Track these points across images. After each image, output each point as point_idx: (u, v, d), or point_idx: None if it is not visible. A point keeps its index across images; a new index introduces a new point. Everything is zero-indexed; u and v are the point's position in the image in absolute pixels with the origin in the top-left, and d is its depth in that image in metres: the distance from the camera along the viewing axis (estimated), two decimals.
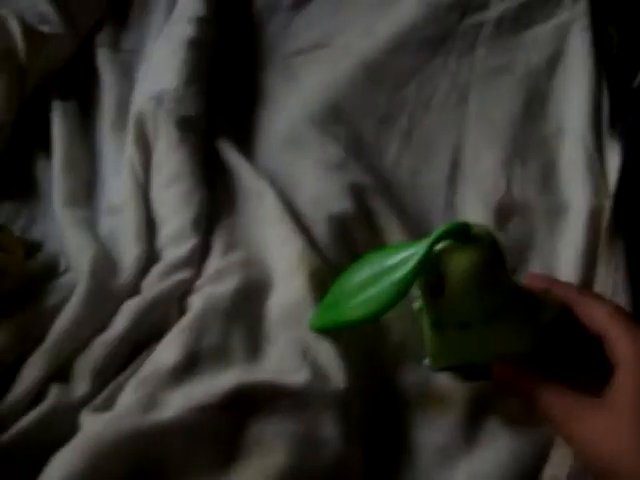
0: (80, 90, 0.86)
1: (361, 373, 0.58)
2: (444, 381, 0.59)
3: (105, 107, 0.83)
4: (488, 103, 0.82)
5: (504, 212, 0.72)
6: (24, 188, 0.76)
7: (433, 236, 0.51)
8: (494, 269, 0.53)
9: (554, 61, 0.86)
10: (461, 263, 0.51)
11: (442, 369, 0.59)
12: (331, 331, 0.58)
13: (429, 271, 0.52)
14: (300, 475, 0.51)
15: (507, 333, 0.55)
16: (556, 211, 0.72)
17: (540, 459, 0.55)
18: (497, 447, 0.55)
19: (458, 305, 0.53)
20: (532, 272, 0.65)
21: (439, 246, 0.52)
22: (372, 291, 0.54)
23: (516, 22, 0.90)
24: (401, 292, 0.52)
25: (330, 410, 0.54)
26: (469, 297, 0.52)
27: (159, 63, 0.82)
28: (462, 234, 0.52)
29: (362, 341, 0.61)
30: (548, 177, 0.75)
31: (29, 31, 0.82)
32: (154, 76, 0.80)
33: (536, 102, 0.82)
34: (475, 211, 0.72)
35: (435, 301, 0.54)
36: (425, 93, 0.83)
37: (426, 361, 0.59)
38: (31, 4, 0.86)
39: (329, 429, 0.53)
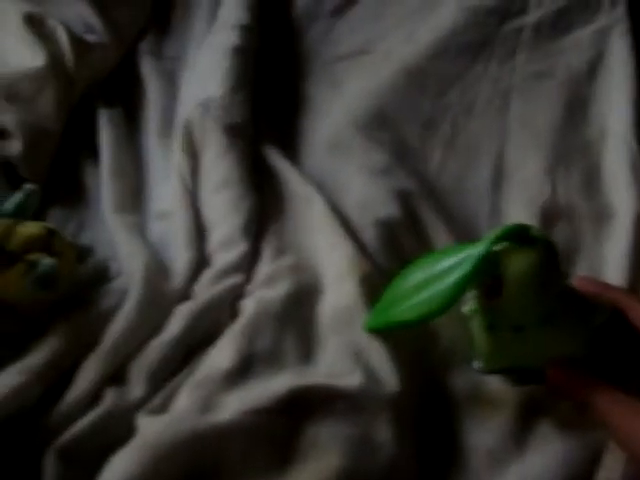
0: (124, 97, 0.87)
1: (412, 377, 0.58)
2: (494, 385, 0.60)
3: (150, 115, 0.84)
4: (530, 108, 0.82)
5: (549, 216, 0.72)
6: (73, 195, 0.77)
7: (492, 236, 0.52)
8: (551, 271, 0.53)
9: (594, 66, 0.86)
10: (520, 264, 0.52)
11: (493, 372, 0.59)
12: (386, 331, 0.59)
13: (487, 272, 0.52)
14: (355, 478, 0.51)
15: (560, 336, 0.55)
16: (601, 215, 0.72)
17: (592, 463, 0.55)
18: (548, 451, 0.55)
19: (514, 307, 0.53)
20: (581, 276, 0.65)
21: (497, 247, 0.52)
22: (428, 292, 0.54)
23: (555, 27, 0.90)
24: (459, 292, 0.52)
25: (384, 413, 0.54)
26: (526, 299, 0.53)
27: (204, 71, 0.83)
28: (521, 236, 0.52)
29: (412, 346, 0.61)
30: (592, 181, 0.76)
31: (76, 41, 0.83)
32: (200, 84, 0.82)
33: (578, 107, 0.82)
34: (520, 216, 0.72)
35: (491, 303, 0.54)
36: (467, 99, 0.83)
37: (476, 364, 0.59)
38: (77, 14, 0.88)
39: (383, 432, 0.53)
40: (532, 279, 0.52)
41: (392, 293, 0.59)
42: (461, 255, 0.53)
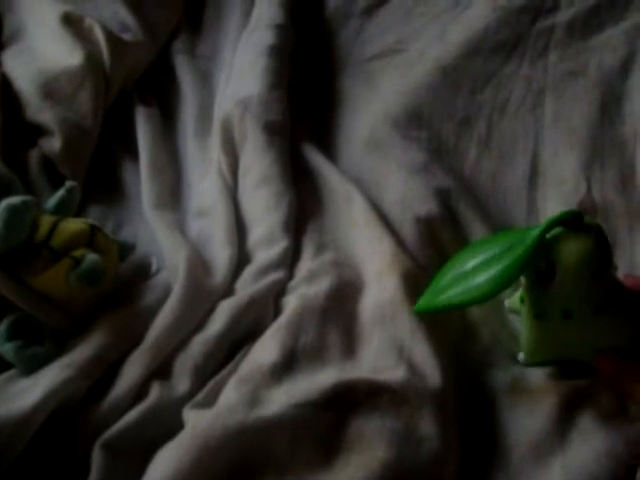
0: (160, 96, 0.88)
1: (454, 372, 0.59)
2: (535, 379, 0.60)
3: (186, 113, 0.85)
4: (564, 107, 0.82)
5: (585, 213, 0.72)
6: (112, 192, 0.78)
7: (546, 222, 0.52)
8: (603, 259, 0.53)
9: (627, 63, 0.86)
10: (575, 250, 0.52)
11: (537, 364, 0.59)
12: (435, 313, 0.59)
13: (540, 257, 0.53)
14: (400, 470, 0.51)
15: (609, 326, 0.55)
16: (637, 212, 0.72)
17: (636, 457, 0.55)
18: (591, 444, 0.55)
19: (566, 293, 0.53)
20: (624, 273, 0.65)
21: (551, 233, 0.53)
22: (482, 275, 0.55)
23: (586, 25, 0.90)
24: (513, 275, 0.53)
25: (428, 407, 0.54)
26: (578, 285, 0.53)
27: (241, 70, 0.84)
28: (574, 222, 0.52)
29: (454, 341, 0.62)
30: (627, 179, 0.76)
31: (112, 39, 0.84)
32: (237, 82, 0.82)
33: (612, 104, 0.82)
34: (557, 213, 0.72)
35: (542, 289, 0.54)
36: (501, 97, 0.84)
37: (521, 356, 0.59)
38: (112, 13, 0.89)
39: (427, 426, 0.54)
40: (586, 265, 0.52)
41: (444, 277, 0.59)
42: (515, 240, 0.53)
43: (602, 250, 0.53)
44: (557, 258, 0.52)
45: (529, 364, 0.59)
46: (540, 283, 0.54)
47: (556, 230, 0.53)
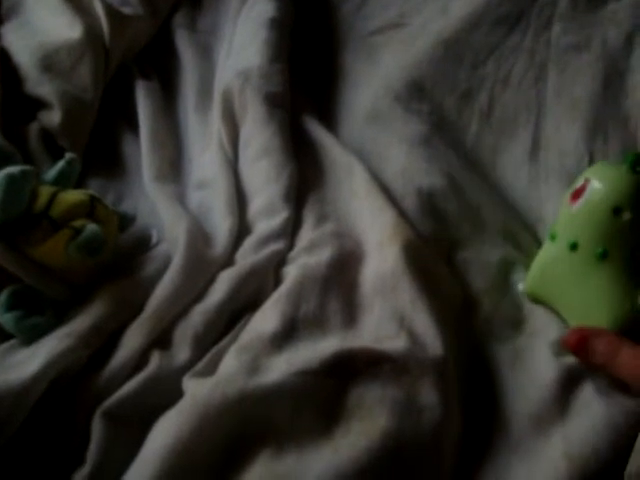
0: (161, 70, 0.88)
1: (454, 343, 0.59)
2: (537, 350, 0.60)
3: (187, 87, 0.85)
4: (567, 80, 0.82)
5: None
6: (112, 165, 0.78)
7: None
8: None
9: (631, 38, 0.85)
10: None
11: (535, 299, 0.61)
12: None
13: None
14: (400, 439, 0.51)
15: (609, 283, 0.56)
16: None
17: (634, 426, 0.55)
18: (592, 415, 0.55)
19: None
20: None
21: None
22: None
23: None
24: None
25: (429, 376, 0.54)
26: (612, 222, 0.55)
27: (242, 42, 0.83)
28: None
29: (454, 312, 0.62)
30: (631, 151, 0.75)
31: (112, 12, 0.84)
32: (238, 55, 0.82)
33: (615, 78, 0.82)
34: (558, 187, 0.72)
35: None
36: (503, 70, 0.83)
37: (520, 285, 0.61)
38: None
39: (428, 395, 0.53)
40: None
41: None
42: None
43: None
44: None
45: (528, 295, 0.61)
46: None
47: None
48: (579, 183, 0.59)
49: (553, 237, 0.60)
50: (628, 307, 0.57)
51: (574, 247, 0.57)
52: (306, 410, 0.52)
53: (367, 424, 0.51)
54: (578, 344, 0.56)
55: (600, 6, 0.88)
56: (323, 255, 0.63)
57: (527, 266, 0.64)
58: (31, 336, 0.57)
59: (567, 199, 0.59)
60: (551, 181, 0.73)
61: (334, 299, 0.60)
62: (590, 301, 0.58)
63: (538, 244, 0.68)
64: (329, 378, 0.53)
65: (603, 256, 0.56)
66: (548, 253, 0.61)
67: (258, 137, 0.73)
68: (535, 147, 0.77)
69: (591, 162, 0.74)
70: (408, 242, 0.63)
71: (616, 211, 0.56)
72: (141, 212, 0.72)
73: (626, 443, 0.54)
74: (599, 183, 0.57)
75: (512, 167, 0.75)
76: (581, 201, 0.57)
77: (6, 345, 0.57)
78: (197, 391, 0.52)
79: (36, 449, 0.52)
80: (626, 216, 0.55)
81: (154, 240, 0.69)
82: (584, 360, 0.57)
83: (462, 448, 0.54)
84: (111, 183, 0.76)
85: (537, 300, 0.62)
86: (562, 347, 0.58)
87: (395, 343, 0.56)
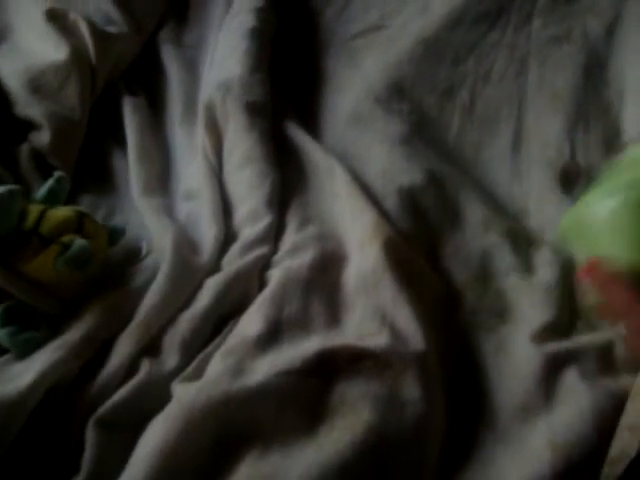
0: (147, 86, 0.89)
1: (439, 336, 0.60)
2: (520, 340, 0.60)
3: (173, 102, 0.86)
4: (548, 72, 0.82)
5: (570, 177, 0.73)
6: (102, 181, 0.80)
7: None
8: None
9: (612, 27, 0.86)
10: None
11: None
12: None
13: None
14: (384, 433, 0.52)
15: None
16: None
17: (618, 410, 0.55)
18: (576, 402, 0.56)
19: None
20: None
21: None
22: None
23: None
24: None
25: (411, 371, 0.55)
26: None
27: (223, 53, 0.85)
28: None
29: (436, 306, 0.63)
30: (612, 141, 0.76)
31: (97, 32, 0.85)
32: (220, 66, 0.84)
33: (596, 68, 0.82)
34: (541, 177, 0.73)
35: None
36: (484, 66, 0.84)
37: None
38: (97, 7, 0.90)
39: (411, 390, 0.54)
40: None
41: None
42: None
43: None
44: None
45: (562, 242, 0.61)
46: None
47: None
48: None
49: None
50: None
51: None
52: (290, 410, 0.53)
53: (350, 420, 0.52)
54: (589, 270, 0.56)
55: None
56: (305, 257, 0.64)
57: (512, 252, 0.65)
58: (25, 350, 0.59)
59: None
60: (533, 172, 0.74)
61: (317, 300, 0.61)
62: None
63: (522, 233, 0.69)
64: (312, 377, 0.54)
65: None
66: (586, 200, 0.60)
67: (240, 146, 0.74)
68: (517, 140, 0.77)
69: (572, 152, 0.75)
70: (388, 240, 0.64)
71: None
72: (131, 225, 0.73)
73: (611, 427, 0.55)
74: None
75: (495, 161, 0.76)
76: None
77: (2, 359, 0.59)
78: (183, 395, 0.53)
79: (32, 458, 0.53)
80: None
81: (144, 252, 0.70)
82: (596, 286, 0.56)
83: (448, 440, 0.55)
84: (102, 198, 0.78)
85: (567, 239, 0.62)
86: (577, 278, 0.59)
87: (377, 339, 0.57)
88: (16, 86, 0.80)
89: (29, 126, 0.79)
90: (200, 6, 0.99)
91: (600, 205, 0.55)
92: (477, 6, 0.88)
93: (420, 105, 0.80)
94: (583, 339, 0.60)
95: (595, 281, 0.55)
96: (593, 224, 0.56)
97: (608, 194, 0.56)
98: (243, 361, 0.56)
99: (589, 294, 0.62)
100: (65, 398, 0.56)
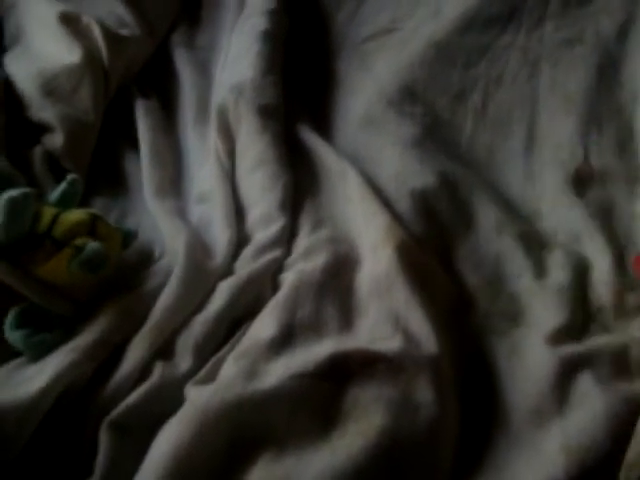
0: (160, 88, 0.89)
1: (451, 340, 0.60)
2: (534, 343, 0.60)
3: (186, 104, 0.86)
4: (560, 74, 0.82)
5: (583, 178, 0.73)
6: (115, 183, 0.80)
7: None
8: None
9: (625, 28, 0.86)
10: None
11: None
12: None
13: None
14: (397, 437, 0.52)
15: None
16: (634, 176, 0.72)
17: (634, 415, 0.55)
18: (590, 406, 0.55)
19: None
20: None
21: None
22: None
23: None
24: None
25: (423, 374, 0.55)
26: None
27: (236, 56, 0.85)
28: None
29: (449, 310, 0.63)
30: (625, 143, 0.76)
31: (110, 35, 0.86)
32: (232, 68, 0.84)
33: (609, 70, 0.82)
34: (554, 180, 0.73)
35: None
36: (496, 69, 0.84)
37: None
38: (110, 10, 0.90)
39: (423, 393, 0.54)
40: None
41: None
42: None
43: None
44: None
45: None
46: None
47: None
48: None
49: None
50: None
51: None
52: (303, 413, 0.53)
53: (363, 424, 0.52)
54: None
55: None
56: (318, 261, 0.64)
57: (525, 256, 0.65)
58: (39, 352, 0.59)
59: None
60: (546, 175, 0.74)
61: (330, 303, 0.61)
62: None
63: (536, 236, 0.69)
64: (325, 380, 0.54)
65: None
66: None
67: (252, 149, 0.74)
68: (530, 142, 0.77)
69: (586, 154, 0.75)
70: (401, 244, 0.64)
71: None
72: (144, 228, 0.73)
73: (625, 432, 0.54)
74: None
75: (508, 164, 0.76)
76: None
77: (16, 362, 0.59)
78: (196, 398, 0.54)
79: (46, 460, 0.53)
80: None
81: (157, 255, 0.70)
82: None
83: (461, 443, 0.55)
84: (115, 201, 0.78)
85: None
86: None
87: (390, 343, 0.57)
88: (29, 89, 0.81)
89: (42, 129, 0.80)
90: (212, 8, 0.99)
91: None
92: (489, 9, 0.88)
93: (432, 108, 0.80)
94: (597, 342, 0.60)
95: None
96: None
97: None
98: (256, 364, 0.56)
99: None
100: (78, 401, 0.56)
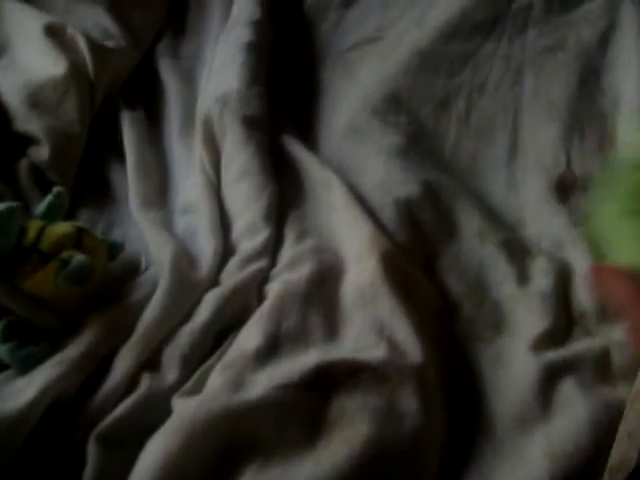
0: (145, 99, 0.90)
1: (436, 348, 0.60)
2: (517, 351, 0.61)
3: (171, 114, 0.87)
4: (543, 82, 0.83)
5: (566, 186, 0.73)
6: (101, 195, 0.80)
7: None
8: None
9: (606, 36, 0.86)
10: None
11: None
12: None
13: None
14: (382, 446, 0.53)
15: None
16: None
17: (616, 419, 0.55)
18: (573, 412, 0.56)
19: None
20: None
21: None
22: None
23: (565, 1, 0.90)
24: None
25: (409, 383, 0.56)
26: None
27: (220, 67, 0.85)
28: None
29: (434, 318, 0.63)
30: (607, 149, 0.76)
31: (95, 47, 0.86)
32: (217, 79, 0.84)
33: (591, 77, 0.83)
34: (537, 187, 0.74)
35: None
36: (479, 77, 0.84)
37: None
38: (95, 21, 0.91)
39: (409, 402, 0.55)
40: None
41: None
42: None
43: None
44: None
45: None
46: None
47: None
48: None
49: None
50: None
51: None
52: (289, 423, 0.54)
53: (348, 433, 0.53)
54: (594, 274, 0.58)
55: (574, 7, 0.90)
56: (303, 271, 0.64)
57: (508, 263, 0.66)
58: (26, 366, 0.59)
59: None
60: (529, 181, 0.75)
61: (315, 313, 0.61)
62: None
63: (519, 243, 0.70)
64: (311, 391, 0.55)
65: None
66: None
67: (237, 159, 0.74)
68: (513, 149, 0.78)
69: (568, 160, 0.75)
70: (385, 253, 0.64)
71: None
72: (130, 239, 0.74)
73: (608, 437, 0.55)
74: None
75: (491, 171, 0.77)
76: None
77: (4, 375, 0.59)
78: (183, 409, 0.54)
79: (34, 473, 0.53)
80: None
81: (143, 266, 0.70)
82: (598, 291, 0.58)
83: (447, 451, 0.56)
84: (101, 213, 0.78)
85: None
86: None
87: (375, 352, 0.57)
88: (15, 101, 0.81)
89: (28, 141, 0.80)
90: (197, 19, 0.99)
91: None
92: (472, 17, 0.88)
93: (417, 116, 0.81)
94: (580, 346, 0.61)
95: (598, 280, 0.57)
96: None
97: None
98: (242, 375, 0.56)
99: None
100: (66, 413, 0.56)
